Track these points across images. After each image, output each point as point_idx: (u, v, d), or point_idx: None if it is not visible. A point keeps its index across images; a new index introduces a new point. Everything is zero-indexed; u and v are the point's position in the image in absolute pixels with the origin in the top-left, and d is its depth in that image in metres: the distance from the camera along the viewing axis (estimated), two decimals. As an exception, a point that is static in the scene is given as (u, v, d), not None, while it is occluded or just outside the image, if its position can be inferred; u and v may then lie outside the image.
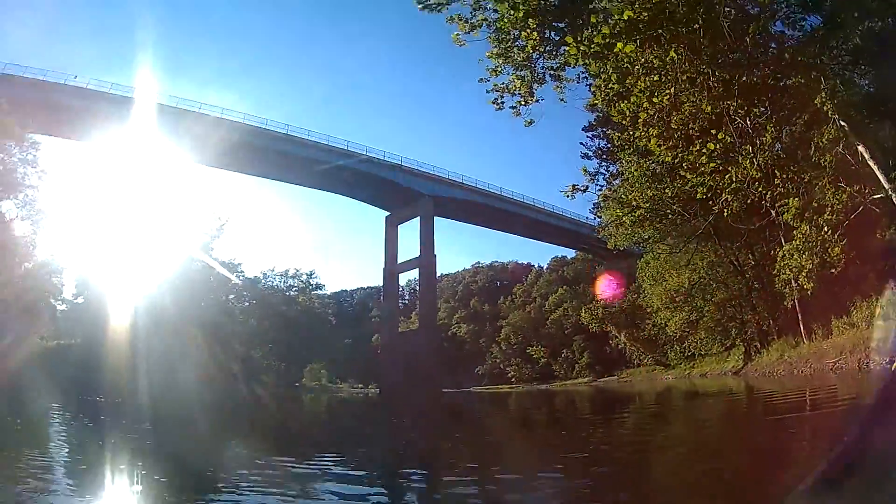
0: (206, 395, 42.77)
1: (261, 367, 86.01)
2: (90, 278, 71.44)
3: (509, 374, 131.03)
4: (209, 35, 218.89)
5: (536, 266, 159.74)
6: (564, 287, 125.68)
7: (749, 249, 44.80)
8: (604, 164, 62.80)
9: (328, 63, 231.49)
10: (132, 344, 63.98)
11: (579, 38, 22.57)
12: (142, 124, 69.88)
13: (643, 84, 24.42)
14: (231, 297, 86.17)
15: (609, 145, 55.24)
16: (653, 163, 40.51)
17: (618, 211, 45.60)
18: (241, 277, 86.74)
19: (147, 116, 70.45)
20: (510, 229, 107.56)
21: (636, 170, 43.32)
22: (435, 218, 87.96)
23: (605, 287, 79.67)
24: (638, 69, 24.03)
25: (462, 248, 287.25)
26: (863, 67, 29.06)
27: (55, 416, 19.88)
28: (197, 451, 11.00)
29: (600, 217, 55.68)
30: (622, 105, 25.45)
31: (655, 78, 24.47)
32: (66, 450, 11.21)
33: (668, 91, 24.53)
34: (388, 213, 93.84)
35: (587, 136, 61.36)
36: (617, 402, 27.72)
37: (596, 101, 28.31)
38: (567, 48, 23.21)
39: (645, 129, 26.31)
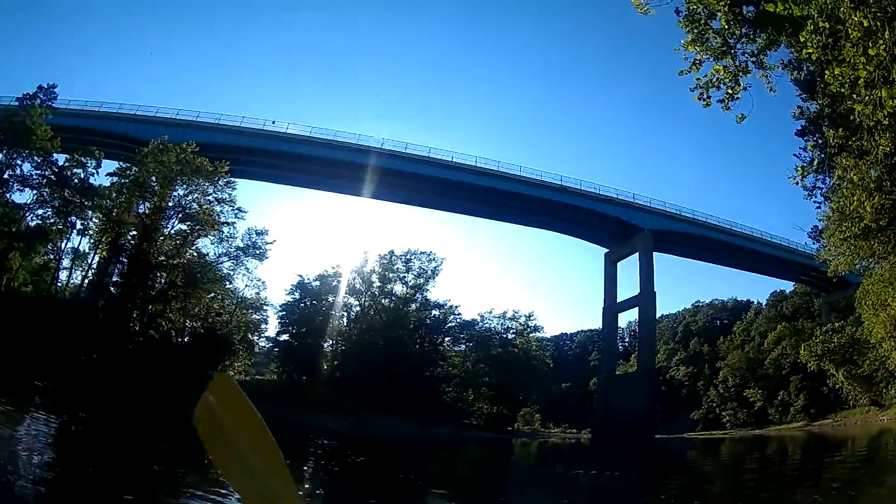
0: (407, 435, 43.91)
1: (471, 411, 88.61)
2: (295, 315, 75.04)
3: (724, 419, 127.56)
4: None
5: (756, 302, 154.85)
6: (783, 324, 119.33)
7: None
8: (820, 177, 59.32)
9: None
10: (336, 383, 66.92)
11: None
12: (371, 172, 73.22)
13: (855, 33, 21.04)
14: (447, 339, 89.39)
15: (823, 154, 52.05)
16: (873, 164, 38.19)
17: (841, 227, 42.96)
18: (457, 319, 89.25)
19: (374, 163, 73.24)
20: (730, 262, 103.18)
21: (855, 175, 40.64)
22: (655, 254, 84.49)
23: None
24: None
25: (680, 287, 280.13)
26: None
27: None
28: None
29: (819, 240, 53.31)
30: (836, 69, 22.23)
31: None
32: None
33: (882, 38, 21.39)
34: (607, 251, 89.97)
35: (800, 147, 58.45)
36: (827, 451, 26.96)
37: (806, 55, 25.46)
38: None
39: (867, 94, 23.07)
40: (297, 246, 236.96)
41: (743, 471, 18.05)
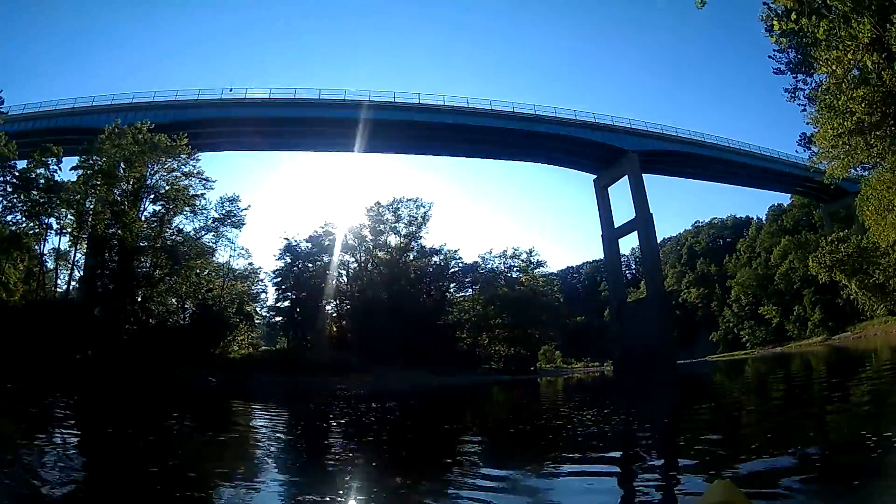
0: (425, 386, 42.88)
1: (489, 355, 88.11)
2: (291, 280, 74.54)
3: (743, 339, 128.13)
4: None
5: (756, 218, 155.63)
6: (786, 237, 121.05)
7: None
8: (800, 76, 56.10)
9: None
10: (345, 343, 65.89)
11: None
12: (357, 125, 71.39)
13: None
14: (452, 285, 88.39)
15: (800, 56, 49.46)
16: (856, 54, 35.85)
17: (832, 124, 40.46)
18: (459, 264, 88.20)
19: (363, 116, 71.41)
20: (722, 178, 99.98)
21: (839, 67, 38.21)
22: (644, 175, 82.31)
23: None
24: None
25: (677, 209, 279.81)
26: None
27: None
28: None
29: (811, 147, 51.13)
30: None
31: None
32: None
33: None
34: (594, 177, 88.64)
35: (774, 49, 55.35)
36: (851, 365, 25.59)
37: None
38: None
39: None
40: (287, 211, 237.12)
41: (771, 391, 17.78)
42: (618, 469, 7.17)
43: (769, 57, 52.52)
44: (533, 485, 6.60)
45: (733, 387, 21.50)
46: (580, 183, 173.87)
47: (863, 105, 35.06)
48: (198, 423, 18.87)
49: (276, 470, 9.76)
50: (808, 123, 46.85)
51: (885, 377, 15.88)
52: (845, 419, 8.94)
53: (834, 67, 36.81)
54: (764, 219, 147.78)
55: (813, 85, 48.27)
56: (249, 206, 73.69)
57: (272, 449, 12.38)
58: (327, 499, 6.99)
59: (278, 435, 13.83)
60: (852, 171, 49.96)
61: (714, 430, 9.24)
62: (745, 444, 7.66)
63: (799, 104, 52.18)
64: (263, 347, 73.39)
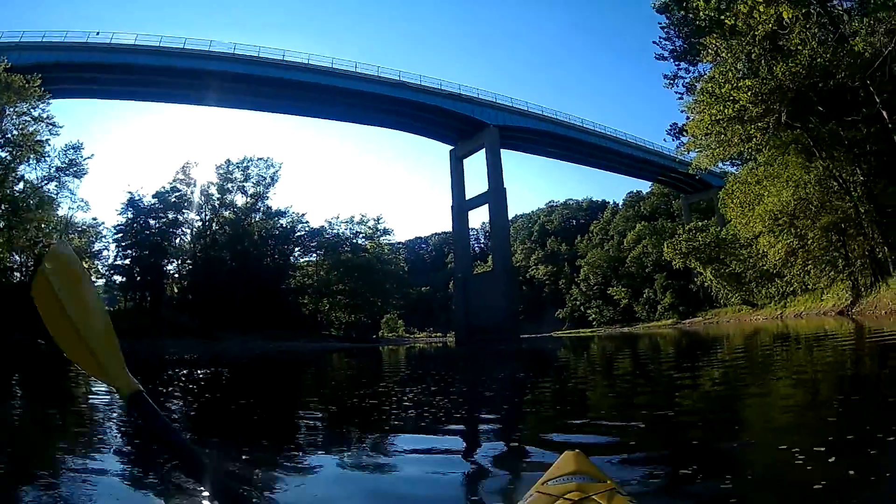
0: (263, 352, 41.42)
1: (330, 321, 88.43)
2: (132, 237, 71.42)
3: (590, 317, 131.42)
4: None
5: (612, 203, 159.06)
6: (642, 223, 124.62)
7: (855, 162, 39.71)
8: (683, 64, 55.58)
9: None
10: (185, 305, 63.38)
11: None
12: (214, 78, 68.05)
13: None
14: (297, 249, 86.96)
15: (685, 45, 48.73)
16: (747, 44, 35.64)
17: (711, 111, 39.98)
18: (305, 228, 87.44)
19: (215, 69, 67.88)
20: (582, 160, 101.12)
21: (729, 55, 37.82)
22: (503, 151, 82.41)
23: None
24: None
25: (533, 187, 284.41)
26: None
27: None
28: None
29: (680, 136, 51.07)
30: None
31: None
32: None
33: None
34: (452, 148, 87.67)
35: (660, 37, 54.55)
36: (701, 348, 25.01)
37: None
38: None
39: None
40: (137, 165, 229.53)
41: (618, 369, 16.94)
42: (461, 442, 6.76)
43: (654, 42, 52.39)
44: (368, 464, 5.87)
45: (579, 362, 20.49)
46: (440, 155, 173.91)
47: (749, 94, 34.91)
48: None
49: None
50: (682, 111, 46.92)
51: (739, 362, 15.49)
52: (694, 395, 9.06)
53: (724, 55, 36.59)
54: (621, 204, 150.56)
55: (695, 73, 48.32)
56: (93, 154, 71.14)
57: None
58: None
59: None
60: (719, 166, 50.43)
61: (560, 402, 9.16)
62: (593, 415, 7.74)
63: (676, 92, 52.24)
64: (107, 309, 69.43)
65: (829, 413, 6.31)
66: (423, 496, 4.41)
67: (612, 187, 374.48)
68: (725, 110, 37.45)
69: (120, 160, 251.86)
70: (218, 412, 9.69)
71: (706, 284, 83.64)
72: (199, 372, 20.90)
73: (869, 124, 34.99)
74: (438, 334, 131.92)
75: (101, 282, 71.22)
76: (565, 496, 1.62)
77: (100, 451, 6.78)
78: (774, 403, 7.69)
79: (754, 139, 40.13)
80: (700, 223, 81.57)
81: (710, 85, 38.77)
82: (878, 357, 12.64)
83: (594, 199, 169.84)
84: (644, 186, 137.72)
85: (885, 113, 30.43)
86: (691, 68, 52.38)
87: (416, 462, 5.82)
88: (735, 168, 55.19)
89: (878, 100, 30.42)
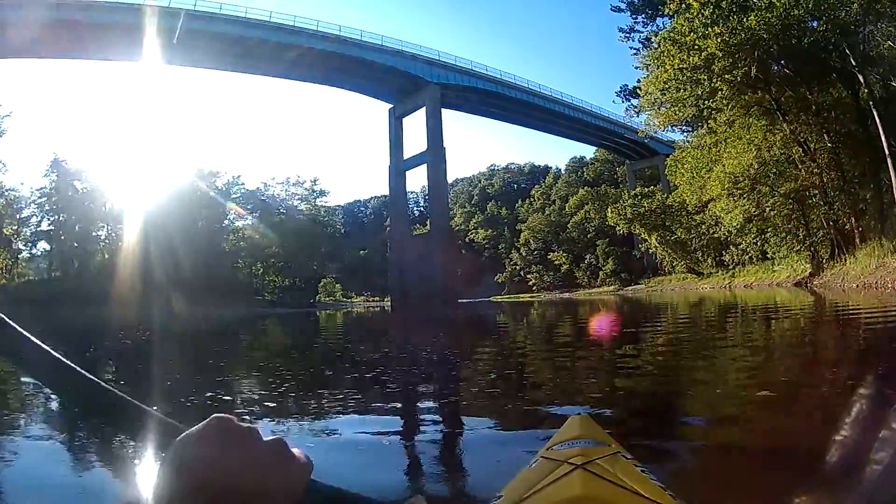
0: (199, 319, 39.93)
1: (264, 286, 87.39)
2: (57, 202, 69.14)
3: (530, 283, 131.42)
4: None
5: (554, 168, 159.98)
6: (585, 188, 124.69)
7: (822, 128, 38.46)
8: (640, 16, 53.98)
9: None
10: (114, 272, 61.77)
11: None
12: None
13: None
14: (231, 212, 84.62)
15: None
16: None
17: (675, 61, 38.41)
18: (241, 190, 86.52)
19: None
20: (526, 122, 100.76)
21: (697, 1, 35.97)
22: (444, 111, 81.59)
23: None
24: None
25: (475, 150, 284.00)
26: None
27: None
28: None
29: (629, 98, 49.99)
30: None
31: None
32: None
33: None
34: (391, 106, 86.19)
35: None
36: (644, 314, 24.27)
37: None
38: None
39: None
40: (67, 129, 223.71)
41: (558, 335, 16.61)
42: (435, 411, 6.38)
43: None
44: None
45: (517, 327, 20.82)
46: (381, 116, 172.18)
47: (718, 41, 33.56)
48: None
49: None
50: (637, 67, 45.56)
51: (683, 328, 15.67)
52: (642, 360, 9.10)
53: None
54: (563, 169, 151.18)
55: (653, 28, 46.94)
56: (11, 112, 68.46)
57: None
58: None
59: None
60: (666, 134, 49.35)
61: (491, 385, 7.93)
62: (530, 397, 6.97)
63: (631, 47, 50.94)
64: (31, 277, 68.50)
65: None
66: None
67: (555, 153, 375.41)
68: (691, 58, 36.02)
69: (50, 123, 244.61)
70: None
71: (651, 251, 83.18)
72: (143, 337, 19.95)
73: (841, 88, 34.27)
74: (376, 298, 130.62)
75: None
76: (569, 461, 1.53)
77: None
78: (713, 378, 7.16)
79: (720, 92, 38.68)
80: (646, 189, 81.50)
81: (673, 33, 37.42)
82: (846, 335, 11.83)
83: (536, 164, 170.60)
84: (588, 152, 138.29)
85: (861, 77, 29.66)
86: (649, 22, 51.34)
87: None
88: (684, 136, 54.55)
89: (853, 62, 29.68)
